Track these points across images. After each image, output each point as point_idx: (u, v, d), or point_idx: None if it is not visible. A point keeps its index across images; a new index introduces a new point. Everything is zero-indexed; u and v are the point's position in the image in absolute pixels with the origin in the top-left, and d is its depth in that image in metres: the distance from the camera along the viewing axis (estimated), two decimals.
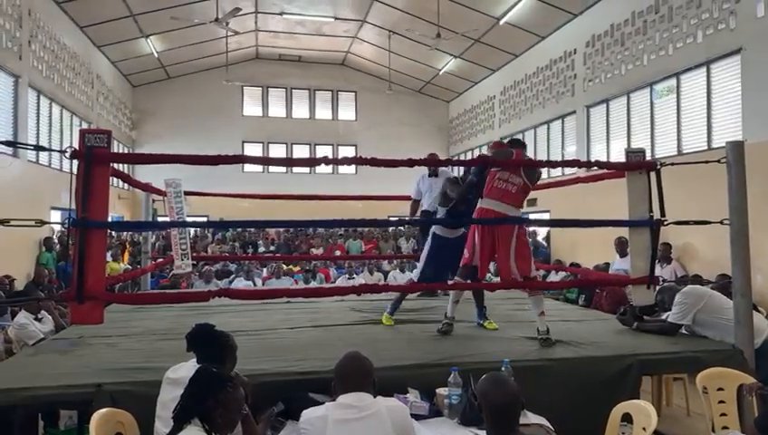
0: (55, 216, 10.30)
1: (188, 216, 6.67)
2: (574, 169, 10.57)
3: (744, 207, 3.73)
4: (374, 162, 3.77)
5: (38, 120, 10.65)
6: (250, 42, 16.82)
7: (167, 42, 14.75)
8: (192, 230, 12.28)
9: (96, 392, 2.82)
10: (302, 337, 4.13)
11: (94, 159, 3.21)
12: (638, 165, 4.21)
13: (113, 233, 11.42)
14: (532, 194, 4.32)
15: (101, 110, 14.32)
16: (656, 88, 9.41)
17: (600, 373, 3.42)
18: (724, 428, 3.15)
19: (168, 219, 6.46)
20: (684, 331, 4.04)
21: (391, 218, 11.85)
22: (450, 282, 4.70)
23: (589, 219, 5.21)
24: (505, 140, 4.39)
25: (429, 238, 4.70)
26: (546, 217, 11.66)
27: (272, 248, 14.16)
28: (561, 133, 12.58)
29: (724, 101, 7.94)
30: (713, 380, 3.21)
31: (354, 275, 9.94)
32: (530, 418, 2.69)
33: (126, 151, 15.64)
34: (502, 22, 12.41)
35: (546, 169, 10.26)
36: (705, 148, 8.14)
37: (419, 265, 4.89)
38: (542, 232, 12.45)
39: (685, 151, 8.59)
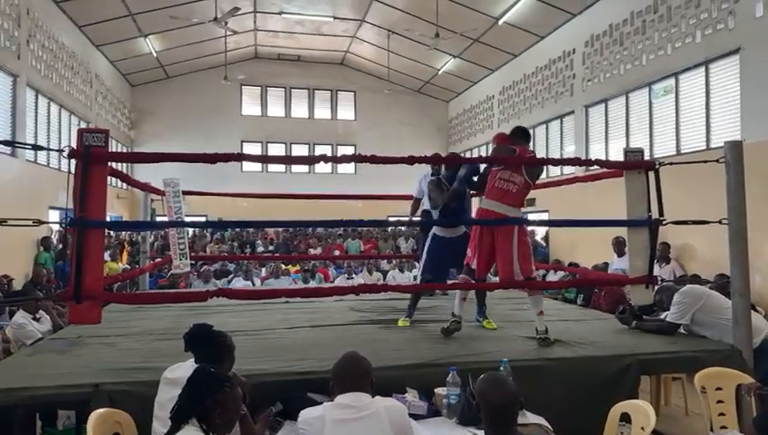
0: (53, 215, 10.28)
1: (187, 215, 6.66)
2: (573, 169, 10.58)
3: (742, 207, 3.73)
4: (374, 159, 3.76)
5: (36, 119, 10.63)
6: (249, 41, 16.81)
7: (165, 41, 14.73)
8: (190, 230, 12.27)
9: (94, 392, 2.82)
10: (301, 337, 4.13)
11: (92, 159, 3.21)
12: (636, 164, 4.21)
13: (112, 232, 11.41)
14: (531, 193, 4.29)
15: (100, 109, 14.30)
16: (654, 88, 9.41)
17: (598, 373, 3.41)
18: (723, 427, 3.16)
19: (166, 219, 6.45)
20: (682, 330, 4.04)
21: (391, 218, 11.87)
22: (451, 281, 4.71)
23: (587, 219, 5.21)
24: (510, 130, 4.34)
25: (429, 238, 4.69)
26: (545, 216, 11.67)
27: (270, 248, 14.15)
28: (559, 133, 12.59)
29: (723, 101, 7.94)
30: (711, 379, 3.22)
31: (353, 275, 9.94)
32: (528, 418, 2.69)
33: (125, 151, 15.60)
34: (501, 22, 12.41)
35: (545, 168, 10.28)
36: (704, 147, 8.15)
37: (420, 264, 4.89)
38: (540, 232, 12.46)
39: (683, 151, 8.60)
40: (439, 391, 2.91)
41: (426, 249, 4.68)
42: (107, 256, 9.85)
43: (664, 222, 4.08)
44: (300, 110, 19.14)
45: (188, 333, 2.62)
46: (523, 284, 3.99)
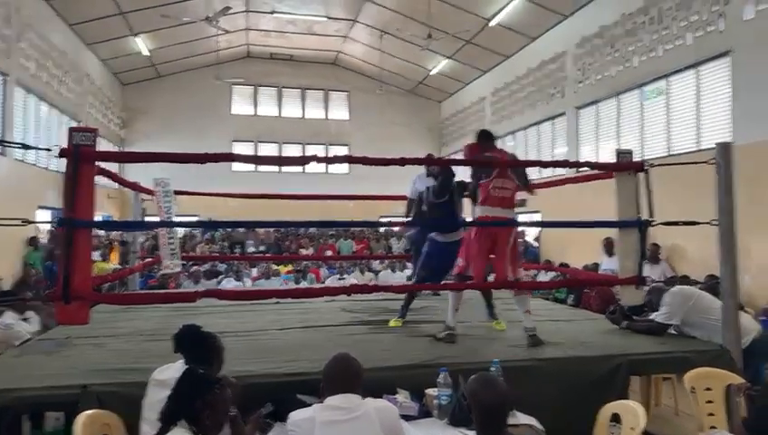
0: (42, 215, 10.19)
1: (178, 215, 6.62)
2: (564, 170, 10.61)
3: (732, 209, 3.75)
4: (366, 161, 3.76)
5: (25, 118, 10.53)
6: (241, 40, 16.74)
7: (157, 40, 14.63)
8: (181, 230, 12.20)
9: (82, 394, 2.79)
10: (292, 338, 4.11)
11: (81, 158, 3.18)
12: (627, 166, 4.23)
13: (102, 232, 11.32)
14: (523, 195, 4.36)
15: (91, 108, 14.18)
16: (645, 89, 9.47)
17: (589, 373, 3.43)
18: (712, 427, 3.17)
19: (157, 219, 6.41)
20: (672, 331, 4.07)
21: (383, 219, 11.86)
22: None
23: (578, 220, 5.23)
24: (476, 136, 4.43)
25: (427, 242, 4.72)
26: (537, 217, 11.69)
27: (261, 248, 14.09)
28: (551, 134, 12.64)
29: (713, 103, 8.00)
30: (700, 380, 3.23)
31: (345, 276, 9.92)
32: (519, 418, 2.69)
33: (115, 150, 15.48)
34: (492, 23, 12.43)
35: (537, 169, 10.31)
36: (695, 149, 8.20)
37: (416, 266, 4.91)
38: (531, 232, 12.50)
39: (674, 153, 8.65)
40: (430, 391, 2.91)
41: (425, 253, 4.70)
42: (97, 255, 9.79)
43: (653, 223, 4.10)
44: (292, 109, 19.08)
45: (177, 334, 2.60)
46: (513, 284, 4.03)
